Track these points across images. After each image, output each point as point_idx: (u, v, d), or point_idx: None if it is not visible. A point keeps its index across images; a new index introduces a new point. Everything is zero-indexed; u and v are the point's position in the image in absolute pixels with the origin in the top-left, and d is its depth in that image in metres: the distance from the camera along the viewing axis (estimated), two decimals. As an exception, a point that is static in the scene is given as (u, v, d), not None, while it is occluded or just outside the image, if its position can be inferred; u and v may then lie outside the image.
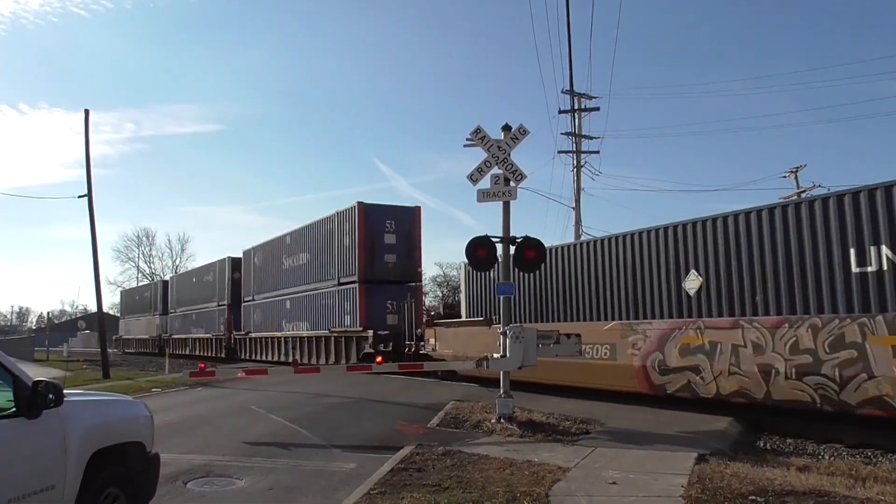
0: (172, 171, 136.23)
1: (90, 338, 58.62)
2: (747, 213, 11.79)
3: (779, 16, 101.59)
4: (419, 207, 25.47)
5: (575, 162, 29.92)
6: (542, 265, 16.56)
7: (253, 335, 33.04)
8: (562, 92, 29.89)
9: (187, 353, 41.20)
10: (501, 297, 11.96)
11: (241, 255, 36.37)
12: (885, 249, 9.73)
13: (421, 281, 25.95)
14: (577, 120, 30.03)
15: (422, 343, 20.59)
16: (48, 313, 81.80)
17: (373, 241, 23.92)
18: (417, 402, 14.32)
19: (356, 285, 23.78)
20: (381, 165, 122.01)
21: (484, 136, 11.52)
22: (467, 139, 11.71)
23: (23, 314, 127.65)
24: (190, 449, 9.49)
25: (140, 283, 71.47)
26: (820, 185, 29.20)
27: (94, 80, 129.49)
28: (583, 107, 30.07)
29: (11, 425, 4.29)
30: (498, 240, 11.61)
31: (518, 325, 11.84)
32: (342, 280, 24.91)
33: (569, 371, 14.26)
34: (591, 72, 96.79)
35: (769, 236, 11.33)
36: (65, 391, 4.68)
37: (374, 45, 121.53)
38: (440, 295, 52.02)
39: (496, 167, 11.50)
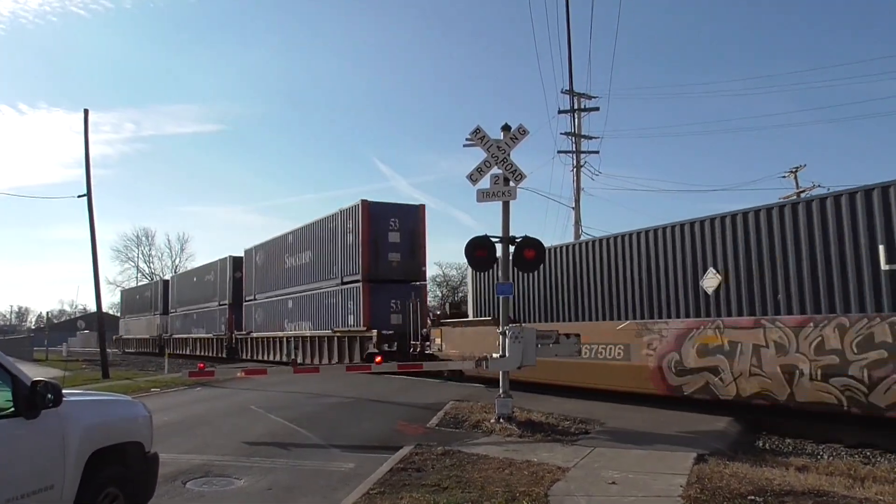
0: (172, 171, 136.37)
1: (89, 338, 58.61)
2: (769, 209, 11.51)
3: (779, 16, 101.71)
4: (423, 205, 25.19)
5: (574, 162, 29.96)
6: (553, 264, 16.40)
7: (254, 335, 32.85)
8: (561, 92, 29.97)
9: (188, 353, 41.08)
10: (501, 297, 11.94)
11: (242, 255, 36.15)
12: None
13: (425, 280, 25.65)
14: (576, 120, 30.06)
15: (427, 343, 20.34)
16: (47, 313, 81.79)
17: (376, 240, 23.59)
18: (417, 402, 14.32)
19: (360, 284, 23.50)
20: (381, 165, 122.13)
21: (483, 136, 11.52)
22: (467, 139, 11.71)
23: (22, 314, 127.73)
24: (189, 449, 9.49)
25: (140, 283, 71.47)
26: (819, 185, 29.24)
27: (94, 79, 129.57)
28: (582, 107, 30.10)
29: (10, 425, 4.29)
30: (497, 240, 11.61)
31: (517, 324, 11.84)
32: (345, 279, 24.64)
33: (580, 371, 14.06)
34: (590, 72, 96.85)
35: (792, 233, 10.99)
36: (64, 391, 4.68)
37: (375, 45, 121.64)
38: (440, 295, 52.01)
39: (496, 167, 11.49)
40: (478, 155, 11.66)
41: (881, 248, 9.77)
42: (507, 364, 11.15)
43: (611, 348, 13.65)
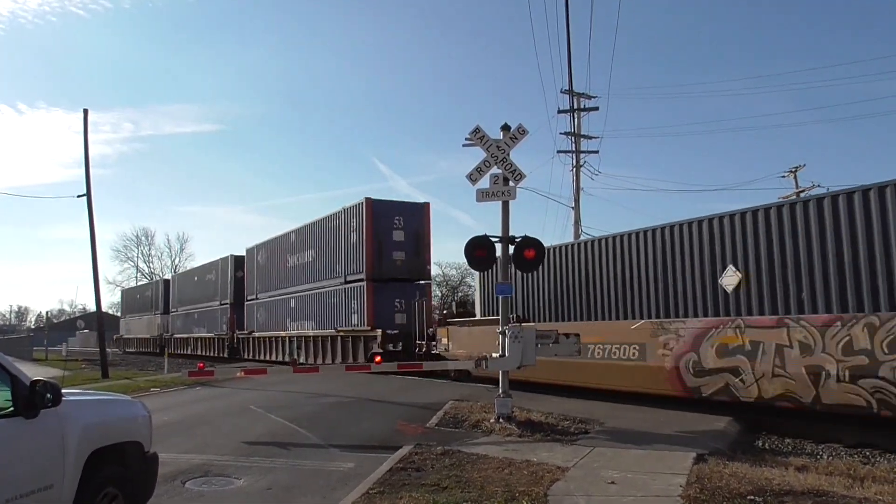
0: (171, 171, 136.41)
1: (89, 337, 58.56)
2: (792, 204, 11.25)
3: (778, 16, 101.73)
4: (428, 204, 24.89)
5: (574, 161, 29.97)
6: (564, 262, 16.10)
7: (256, 335, 32.65)
8: (561, 92, 30.00)
9: (189, 352, 40.96)
10: (500, 297, 11.94)
11: (243, 254, 35.95)
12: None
13: (430, 279, 25.37)
14: (576, 120, 30.07)
15: (433, 343, 20.03)
16: (47, 313, 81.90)
17: (380, 238, 23.35)
18: (417, 401, 14.31)
19: (363, 283, 23.25)
20: (381, 165, 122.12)
21: (483, 136, 11.52)
22: (466, 139, 11.71)
23: (22, 314, 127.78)
24: (188, 448, 9.49)
25: (140, 283, 71.45)
26: (819, 185, 29.25)
27: (93, 79, 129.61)
28: (582, 106, 30.11)
29: (9, 425, 4.29)
30: (497, 239, 11.60)
31: (517, 324, 11.84)
32: (349, 278, 24.39)
33: (591, 372, 13.79)
34: (590, 72, 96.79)
35: (818, 229, 10.63)
36: (63, 391, 4.68)
37: (374, 44, 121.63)
38: (440, 295, 52.02)
39: (495, 167, 11.49)
40: (477, 155, 11.67)
41: None
42: (507, 364, 11.15)
43: (625, 348, 13.27)
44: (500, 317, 11.85)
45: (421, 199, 24.79)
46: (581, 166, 29.86)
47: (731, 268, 11.95)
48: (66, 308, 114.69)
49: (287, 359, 27.65)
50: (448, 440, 9.58)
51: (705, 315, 12.31)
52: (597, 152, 30.54)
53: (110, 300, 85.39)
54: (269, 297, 31.98)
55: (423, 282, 24.10)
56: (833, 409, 9.95)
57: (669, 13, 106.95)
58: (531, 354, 11.20)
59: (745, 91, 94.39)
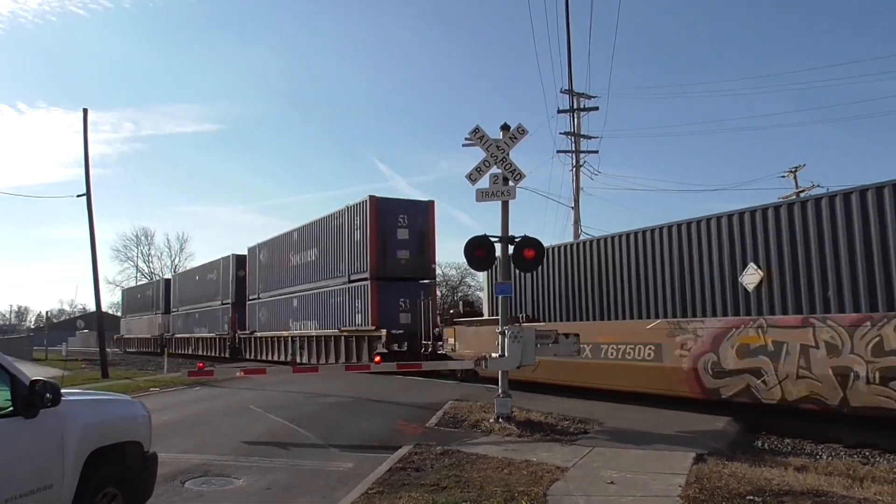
0: (171, 171, 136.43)
1: (89, 337, 58.55)
2: (817, 199, 10.93)
3: (778, 16, 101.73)
4: (433, 202, 24.67)
5: (574, 161, 29.98)
6: (576, 261, 15.82)
7: (258, 335, 32.44)
8: (561, 91, 30.01)
9: (190, 352, 40.83)
10: (500, 297, 11.94)
11: (245, 253, 35.72)
12: None
13: (435, 278, 25.10)
14: (576, 119, 30.08)
15: (440, 343, 19.74)
16: (47, 312, 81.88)
17: (385, 237, 23.12)
18: (416, 401, 14.31)
19: (368, 282, 22.98)
20: (381, 165, 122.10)
21: (483, 136, 11.52)
22: (466, 139, 11.71)
23: (21, 313, 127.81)
24: (188, 448, 9.49)
25: (139, 283, 71.44)
26: (819, 185, 29.26)
27: (93, 79, 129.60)
28: (582, 106, 30.11)
29: (9, 425, 4.29)
30: (497, 239, 11.60)
31: (517, 325, 11.84)
32: (353, 277, 24.15)
33: (604, 373, 13.51)
34: (589, 71, 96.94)
35: (844, 224, 10.35)
36: (62, 390, 4.68)
37: (374, 44, 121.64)
38: (440, 295, 51.98)
39: (495, 167, 11.49)
40: (477, 154, 11.67)
41: None
42: (506, 364, 11.15)
43: (640, 349, 12.90)
44: (499, 317, 11.83)
45: (421, 199, 24.45)
46: (581, 166, 29.88)
47: (751, 266, 11.67)
48: (66, 308, 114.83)
49: (290, 359, 27.45)
50: (447, 440, 9.58)
51: (724, 314, 12.04)
52: (596, 152, 30.59)
53: (110, 300, 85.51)
54: (272, 296, 31.76)
55: (427, 281, 23.83)
56: (861, 411, 9.59)
57: (669, 13, 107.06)
58: (531, 354, 11.20)
59: (745, 91, 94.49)
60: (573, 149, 30.04)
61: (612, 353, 13.45)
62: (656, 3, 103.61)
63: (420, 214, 24.02)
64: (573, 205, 29.62)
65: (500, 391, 11.20)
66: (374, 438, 10.15)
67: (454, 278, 55.30)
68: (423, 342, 20.54)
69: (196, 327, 41.47)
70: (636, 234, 14.32)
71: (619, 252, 14.67)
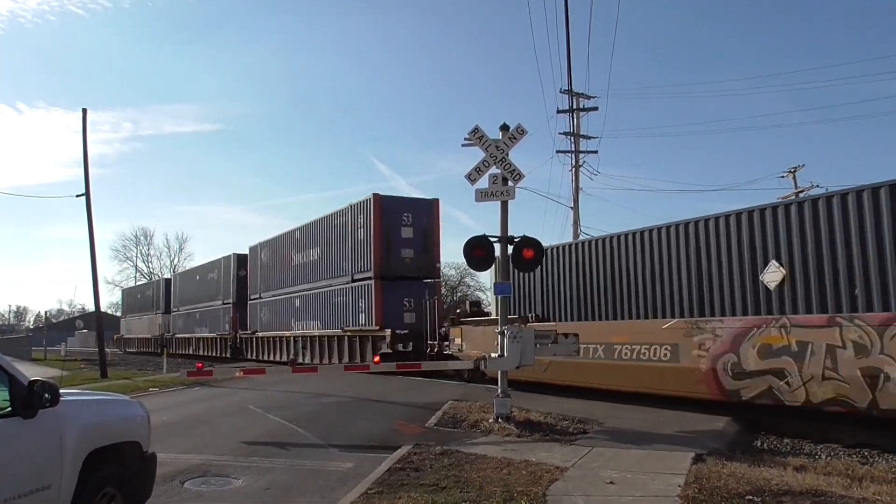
0: (171, 171, 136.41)
1: (88, 337, 58.56)
2: (843, 194, 10.57)
3: (778, 16, 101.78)
4: (437, 200, 24.34)
5: (573, 162, 30.01)
6: (588, 259, 15.48)
7: (260, 335, 32.21)
8: (560, 91, 30.03)
9: (191, 352, 40.64)
10: (499, 297, 11.94)
11: (247, 252, 35.45)
12: None
13: (440, 277, 24.74)
14: (575, 120, 30.09)
15: (446, 343, 19.45)
16: (46, 312, 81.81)
17: (388, 236, 22.79)
18: (416, 401, 14.32)
19: (371, 281, 22.73)
20: (380, 165, 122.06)
21: (482, 136, 11.51)
22: (465, 139, 11.71)
23: (20, 313, 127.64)
24: (187, 448, 9.48)
25: (139, 283, 71.40)
26: (818, 185, 29.30)
27: (93, 79, 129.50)
28: (581, 106, 30.13)
29: (7, 425, 4.28)
30: (496, 239, 11.60)
31: (516, 325, 11.83)
32: (356, 276, 23.89)
33: (617, 373, 13.26)
34: (589, 71, 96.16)
35: (873, 220, 10.01)
36: (61, 391, 4.68)
37: (374, 44, 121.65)
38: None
39: (494, 167, 11.49)
40: (476, 154, 11.67)
41: None
42: (506, 364, 11.15)
43: (655, 349, 12.54)
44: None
45: (425, 197, 24.06)
46: (580, 166, 29.91)
47: (773, 263, 11.36)
48: (65, 308, 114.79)
49: (293, 359, 27.14)
50: (447, 440, 9.58)
51: (744, 314, 11.71)
52: (596, 152, 30.63)
53: (109, 300, 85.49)
54: (273, 296, 31.50)
55: (432, 280, 23.53)
56: (891, 414, 9.31)
57: (669, 13, 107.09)
58: (530, 354, 11.20)
59: (745, 91, 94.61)
60: (573, 149, 30.09)
61: (625, 354, 13.16)
62: (656, 2, 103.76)
63: (424, 213, 23.74)
64: (573, 205, 29.69)
65: (499, 391, 11.20)
66: (373, 438, 10.15)
67: (454, 278, 55.27)
68: (429, 342, 20.27)
69: (197, 327, 41.30)
70: (651, 231, 13.99)
71: (632, 250, 14.34)
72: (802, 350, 10.21)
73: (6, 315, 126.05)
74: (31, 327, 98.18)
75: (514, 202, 11.68)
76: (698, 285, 12.81)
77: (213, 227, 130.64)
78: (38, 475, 4.41)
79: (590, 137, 30.31)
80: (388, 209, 23.12)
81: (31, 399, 4.35)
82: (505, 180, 11.49)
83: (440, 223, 24.08)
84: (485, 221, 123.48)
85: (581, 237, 25.76)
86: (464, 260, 12.17)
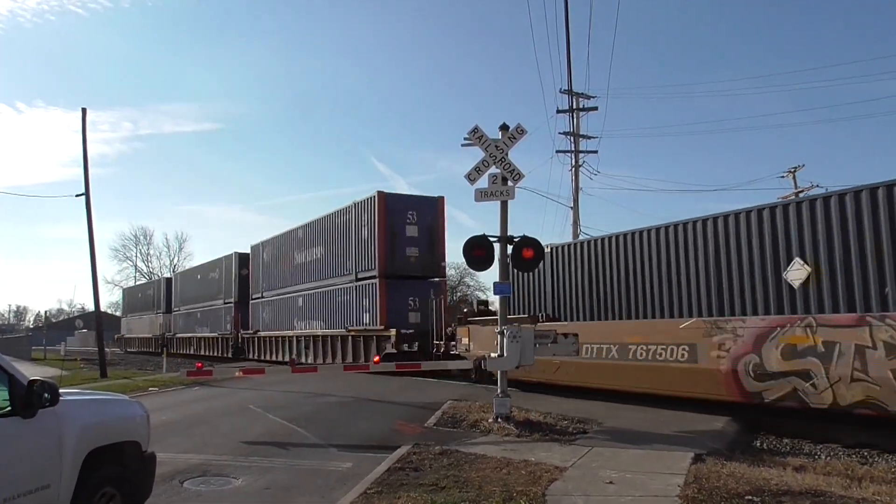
0: (170, 170, 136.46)
1: (88, 337, 58.57)
2: (873, 188, 10.08)
3: (778, 15, 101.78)
4: (442, 198, 23.96)
5: (573, 161, 30.00)
6: (601, 257, 15.11)
7: (262, 334, 32.01)
8: (560, 91, 30.04)
9: (192, 352, 40.47)
10: (499, 297, 11.94)
11: (248, 251, 35.24)
12: None
13: (445, 276, 24.53)
14: (575, 120, 30.10)
15: (453, 343, 19.09)
16: (45, 312, 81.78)
17: (393, 234, 22.55)
18: (415, 401, 14.32)
19: (376, 280, 22.45)
20: (379, 164, 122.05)
21: (481, 136, 11.51)
22: (465, 138, 11.70)
23: (20, 313, 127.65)
24: (187, 448, 9.48)
25: (139, 282, 71.36)
26: (818, 185, 29.27)
27: (92, 78, 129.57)
28: (581, 106, 30.13)
29: (6, 424, 4.29)
30: (495, 239, 11.60)
31: (515, 325, 11.83)
32: (360, 275, 23.62)
33: (631, 374, 12.93)
34: (589, 71, 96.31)
35: None
36: (61, 390, 4.68)
37: (374, 44, 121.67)
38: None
39: (494, 167, 11.48)
40: (476, 154, 11.67)
41: None
42: (505, 364, 11.15)
43: (672, 349, 12.22)
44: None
45: (430, 195, 23.76)
46: (580, 166, 29.90)
47: (797, 261, 10.97)
48: (65, 307, 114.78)
49: (296, 359, 26.91)
50: (446, 440, 9.58)
51: (766, 313, 11.36)
52: (596, 152, 30.63)
53: (109, 300, 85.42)
54: (276, 295, 31.28)
55: (437, 279, 23.27)
56: None
57: (669, 13, 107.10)
58: (529, 354, 11.20)
59: (745, 91, 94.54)
60: (572, 149, 30.09)
61: (641, 354, 12.81)
62: (656, 2, 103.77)
63: (429, 211, 23.45)
64: (572, 205, 29.68)
65: (498, 391, 11.20)
66: (373, 438, 10.15)
67: (453, 278, 55.26)
68: (435, 342, 20.00)
69: (198, 327, 41.12)
70: (667, 228, 13.64)
71: (647, 248, 13.97)
72: (829, 350, 9.86)
73: (6, 315, 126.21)
74: (31, 327, 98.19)
75: (513, 202, 11.70)
76: (717, 284, 12.43)
77: (212, 227, 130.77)
78: (38, 475, 4.42)
79: (590, 137, 30.34)
80: (392, 207, 22.86)
81: (31, 399, 4.35)
82: (504, 180, 11.49)
83: (446, 221, 23.86)
84: (484, 221, 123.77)
85: (581, 237, 25.76)
86: (463, 260, 12.15)
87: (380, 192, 23.03)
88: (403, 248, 22.79)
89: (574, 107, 29.95)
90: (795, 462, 8.05)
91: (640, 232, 14.33)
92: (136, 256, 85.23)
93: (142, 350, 52.91)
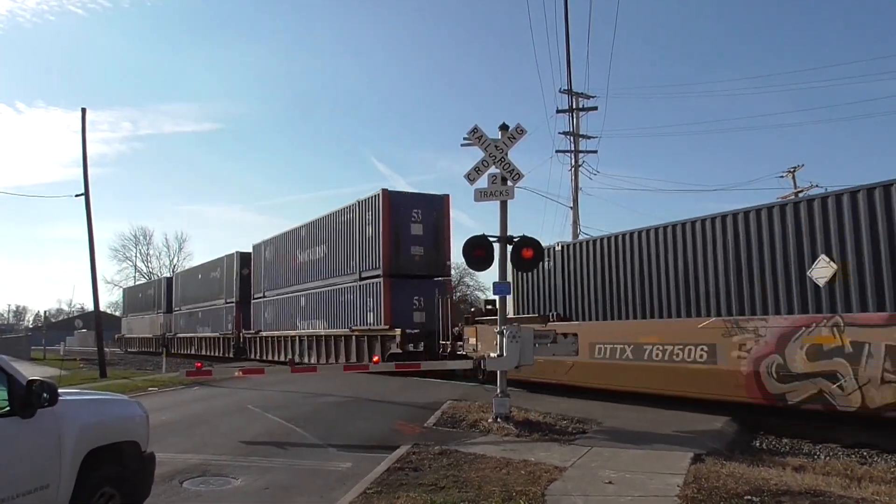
0: (170, 170, 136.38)
1: (87, 337, 58.50)
2: None
3: (778, 15, 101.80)
4: (448, 196, 23.58)
5: (573, 161, 29.99)
6: (614, 255, 14.84)
7: (264, 334, 31.82)
8: (560, 91, 30.02)
9: (193, 352, 40.30)
10: (498, 297, 11.94)
11: (250, 250, 35.04)
12: None
13: (450, 275, 24.20)
14: (574, 119, 30.09)
15: (460, 343, 18.77)
16: (45, 312, 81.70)
17: (398, 232, 22.25)
18: (415, 401, 14.31)
19: (380, 279, 22.14)
20: (379, 164, 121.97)
21: (481, 136, 11.51)
22: (464, 138, 11.70)
23: (20, 313, 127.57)
24: (186, 448, 9.48)
25: (139, 282, 71.32)
26: (817, 185, 29.28)
27: (92, 78, 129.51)
28: (581, 106, 30.12)
29: (5, 424, 4.29)
30: (495, 239, 11.60)
31: (515, 325, 11.83)
32: (364, 274, 23.35)
33: (647, 375, 12.62)
34: (589, 71, 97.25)
35: None
36: (60, 390, 4.68)
37: (373, 44, 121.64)
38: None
39: (493, 166, 11.48)
40: (475, 154, 11.67)
41: None
42: (505, 363, 11.15)
43: (690, 349, 11.88)
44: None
45: (435, 193, 23.44)
46: (580, 166, 29.89)
47: (823, 258, 10.62)
48: (64, 307, 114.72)
49: (298, 359, 26.73)
50: (446, 440, 9.57)
51: (789, 312, 11.04)
52: (595, 152, 30.60)
53: (108, 299, 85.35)
54: (278, 294, 31.05)
55: (442, 278, 22.85)
56: None
57: (669, 13, 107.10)
58: (529, 354, 11.20)
59: (745, 91, 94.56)
60: (572, 148, 30.07)
61: (656, 355, 12.51)
62: (656, 2, 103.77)
63: (435, 209, 23.09)
64: (572, 204, 29.66)
65: (498, 391, 11.20)
66: (372, 438, 10.15)
67: (453, 278, 55.24)
68: (442, 342, 19.77)
69: (199, 327, 40.96)
70: (683, 225, 13.32)
71: (663, 246, 13.63)
72: (858, 351, 9.51)
73: (5, 314, 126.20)
74: (31, 327, 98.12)
75: (513, 202, 11.70)
76: (737, 282, 12.07)
77: (212, 227, 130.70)
78: (37, 474, 4.42)
79: (589, 137, 30.32)
80: (397, 205, 22.54)
81: (30, 399, 4.35)
82: (504, 180, 11.49)
83: (451, 220, 23.55)
84: (484, 221, 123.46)
85: (581, 237, 25.75)
86: (463, 260, 12.15)
87: (384, 190, 22.77)
88: (408, 247, 22.50)
89: (573, 106, 29.95)
90: (795, 462, 8.05)
91: (656, 229, 13.99)
92: (136, 256, 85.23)
93: (142, 350, 52.81)
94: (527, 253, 11.52)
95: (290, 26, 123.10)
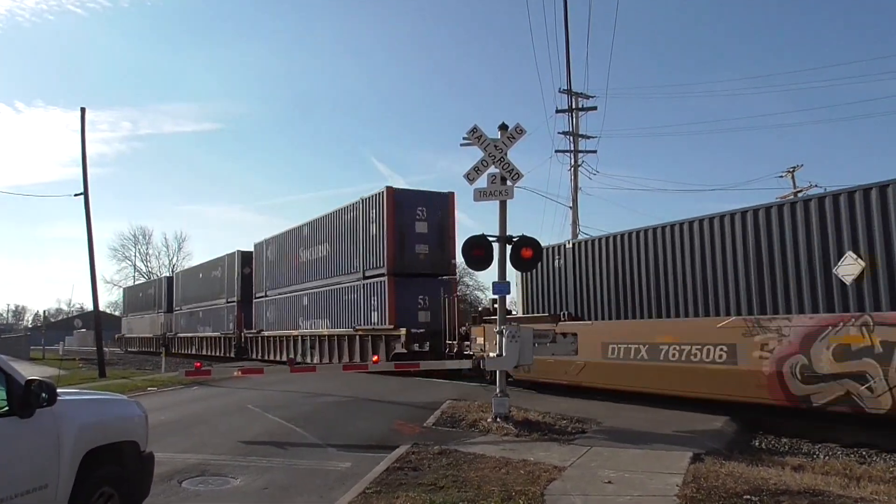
0: (169, 170, 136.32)
1: (87, 336, 58.48)
2: None
3: (778, 15, 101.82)
4: (453, 193, 23.29)
5: (572, 161, 29.99)
6: (629, 253, 14.58)
7: (265, 334, 31.62)
8: (559, 91, 30.04)
9: (194, 352, 40.13)
10: (497, 297, 11.94)
11: (251, 249, 34.81)
12: None
13: (455, 274, 23.82)
14: (574, 119, 30.09)
15: (467, 343, 18.42)
16: (44, 312, 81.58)
17: (402, 231, 21.92)
18: (414, 401, 14.31)
19: (384, 278, 21.85)
20: (379, 164, 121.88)
21: (480, 136, 11.51)
22: (464, 138, 11.70)
23: (19, 312, 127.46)
24: (185, 448, 9.48)
25: (138, 282, 71.28)
26: (817, 185, 29.30)
27: (91, 78, 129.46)
28: (580, 106, 30.12)
29: (4, 424, 4.28)
30: (494, 239, 11.60)
31: (515, 324, 11.83)
32: (368, 273, 23.08)
33: (664, 376, 12.31)
34: (588, 71, 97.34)
35: None
36: (59, 390, 4.68)
37: (373, 44, 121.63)
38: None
39: (493, 166, 11.48)
40: (475, 154, 11.66)
41: None
42: (504, 363, 11.16)
43: (709, 350, 11.57)
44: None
45: (440, 191, 23.22)
46: (579, 166, 29.89)
47: (849, 255, 10.28)
48: (64, 307, 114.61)
49: (301, 359, 26.50)
50: (445, 440, 9.57)
51: (813, 310, 10.71)
52: (595, 152, 30.60)
53: (108, 299, 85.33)
54: (280, 294, 30.79)
55: (447, 277, 22.54)
56: None
57: (669, 13, 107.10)
58: (528, 353, 11.20)
59: (745, 91, 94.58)
60: (572, 148, 30.07)
61: (673, 355, 12.18)
62: (655, 2, 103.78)
63: (440, 207, 22.75)
64: (572, 204, 29.66)
65: (497, 390, 11.20)
66: (371, 438, 10.15)
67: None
68: (448, 342, 19.49)
69: (200, 326, 40.78)
70: (701, 221, 12.98)
71: (679, 243, 13.35)
72: (889, 351, 9.16)
73: (4, 314, 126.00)
74: (30, 326, 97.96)
75: (512, 202, 11.70)
76: (758, 280, 11.75)
77: (212, 227, 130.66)
78: (36, 474, 4.41)
79: (589, 137, 30.32)
80: (401, 203, 22.22)
81: (29, 398, 4.35)
82: (504, 180, 11.49)
83: (456, 218, 23.34)
84: (483, 221, 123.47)
85: (580, 237, 25.74)
86: (462, 259, 12.15)
87: (388, 188, 22.51)
88: (413, 245, 22.22)
89: (573, 106, 29.95)
90: (794, 461, 8.06)
91: (672, 226, 13.71)
92: (135, 256, 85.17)
93: (142, 350, 52.67)
94: (526, 252, 11.52)
95: (290, 26, 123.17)
